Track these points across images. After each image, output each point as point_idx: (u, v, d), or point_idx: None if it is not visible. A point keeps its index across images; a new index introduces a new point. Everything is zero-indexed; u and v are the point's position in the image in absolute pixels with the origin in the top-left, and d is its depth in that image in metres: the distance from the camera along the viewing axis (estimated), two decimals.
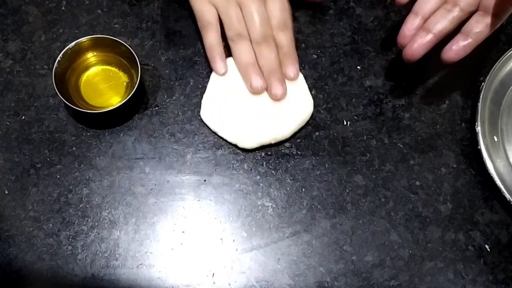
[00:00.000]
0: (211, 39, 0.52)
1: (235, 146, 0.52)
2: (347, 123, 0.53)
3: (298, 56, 0.54)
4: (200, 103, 0.53)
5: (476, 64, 0.56)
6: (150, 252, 0.49)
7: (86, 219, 0.50)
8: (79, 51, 0.52)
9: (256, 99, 0.52)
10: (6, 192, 0.50)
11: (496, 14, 0.47)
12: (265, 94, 0.52)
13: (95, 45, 0.52)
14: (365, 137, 0.53)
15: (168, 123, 0.53)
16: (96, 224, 0.49)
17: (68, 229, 0.49)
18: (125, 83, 0.53)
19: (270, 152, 0.52)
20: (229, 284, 0.48)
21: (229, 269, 0.48)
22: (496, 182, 0.49)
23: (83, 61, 0.53)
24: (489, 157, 0.50)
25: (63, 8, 0.57)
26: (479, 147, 0.50)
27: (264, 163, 0.52)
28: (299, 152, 0.52)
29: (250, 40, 0.51)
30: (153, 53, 0.56)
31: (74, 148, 0.52)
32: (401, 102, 0.55)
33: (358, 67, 0.56)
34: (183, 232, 0.50)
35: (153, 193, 0.51)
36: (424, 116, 0.54)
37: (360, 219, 0.50)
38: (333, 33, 0.57)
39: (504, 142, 0.53)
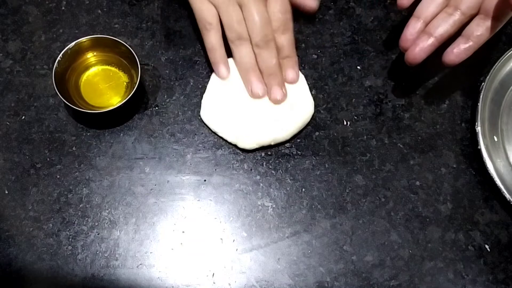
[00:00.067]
0: (212, 40, 0.51)
1: (235, 146, 0.52)
2: (347, 123, 0.53)
3: (298, 56, 0.54)
4: (200, 103, 0.53)
5: (476, 64, 0.56)
6: (150, 252, 0.49)
7: (86, 219, 0.50)
8: (79, 51, 0.52)
9: (256, 99, 0.52)
10: (6, 192, 0.50)
11: (496, 18, 0.47)
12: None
13: (95, 45, 0.52)
14: (365, 137, 0.53)
15: (168, 123, 0.53)
16: (96, 224, 0.49)
17: (68, 229, 0.49)
18: (125, 83, 0.53)
19: (270, 152, 0.52)
20: (229, 284, 0.48)
21: (229, 269, 0.48)
22: (496, 182, 0.49)
23: (83, 61, 0.53)
24: (489, 157, 0.50)
25: (63, 8, 0.57)
26: (479, 147, 0.50)
27: (264, 163, 0.52)
28: (299, 152, 0.52)
29: (251, 41, 0.51)
30: (153, 53, 0.56)
31: (74, 148, 0.52)
32: (401, 102, 0.55)
33: (358, 67, 0.56)
34: (183, 232, 0.50)
35: (153, 193, 0.51)
36: (424, 116, 0.54)
37: (360, 219, 0.50)
38: (333, 33, 0.57)
39: (504, 142, 0.53)
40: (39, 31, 0.56)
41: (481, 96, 0.52)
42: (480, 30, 0.47)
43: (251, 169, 0.52)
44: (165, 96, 0.54)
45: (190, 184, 0.51)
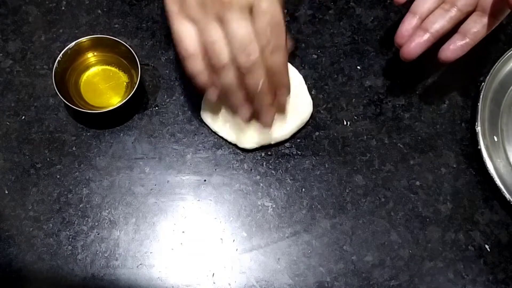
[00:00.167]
0: (193, 69, 0.44)
1: (235, 146, 0.52)
2: (347, 123, 0.53)
3: (298, 56, 0.54)
4: (200, 103, 0.53)
5: (476, 64, 0.56)
6: (150, 252, 0.49)
7: (86, 219, 0.50)
8: (79, 51, 0.52)
9: None
10: (6, 192, 0.50)
11: (493, 15, 0.47)
12: None
13: (95, 45, 0.52)
14: (365, 137, 0.53)
15: (168, 123, 0.53)
16: (96, 224, 0.49)
17: (68, 229, 0.49)
18: (125, 83, 0.53)
19: (270, 152, 0.52)
20: (229, 284, 0.48)
21: (229, 269, 0.48)
22: (496, 182, 0.49)
23: (83, 61, 0.53)
24: (489, 157, 0.50)
25: (63, 8, 0.57)
26: (479, 147, 0.50)
27: (264, 163, 0.52)
28: (299, 152, 0.52)
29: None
30: (153, 53, 0.56)
31: (74, 148, 0.52)
32: (401, 102, 0.55)
33: (358, 67, 0.56)
34: (183, 232, 0.50)
35: (153, 193, 0.51)
36: (424, 116, 0.54)
37: (360, 219, 0.50)
38: (333, 33, 0.57)
39: (504, 142, 0.53)
40: (39, 31, 0.56)
41: (481, 96, 0.52)
42: (476, 27, 0.47)
43: (251, 169, 0.52)
44: (165, 96, 0.54)
45: (190, 184, 0.51)
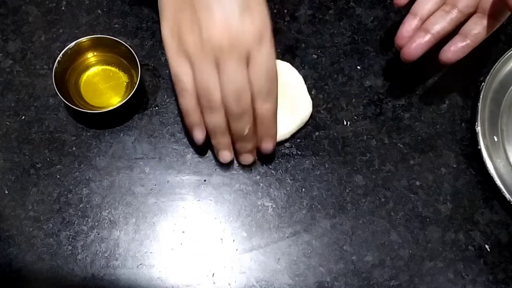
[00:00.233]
0: (187, 105, 0.45)
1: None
2: (347, 123, 0.53)
3: (298, 56, 0.54)
4: None
5: (476, 64, 0.56)
6: (150, 252, 0.49)
7: (86, 219, 0.50)
8: (79, 51, 0.52)
9: None
10: (6, 192, 0.50)
11: (494, 16, 0.47)
12: None
13: (95, 45, 0.52)
14: (365, 137, 0.53)
15: (168, 123, 0.53)
16: (96, 224, 0.49)
17: (68, 229, 0.49)
18: (125, 83, 0.53)
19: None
20: (229, 284, 0.48)
21: (229, 269, 0.48)
22: (496, 182, 0.49)
23: (83, 61, 0.53)
24: (489, 157, 0.50)
25: (63, 8, 0.57)
26: (479, 147, 0.50)
27: (264, 163, 0.52)
28: (299, 152, 0.52)
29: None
30: (153, 53, 0.56)
31: (74, 148, 0.52)
32: (401, 102, 0.55)
33: (358, 67, 0.56)
34: (183, 232, 0.50)
35: (153, 193, 0.51)
36: (424, 116, 0.54)
37: (360, 219, 0.50)
38: (333, 33, 0.57)
39: (504, 142, 0.53)
40: (39, 31, 0.56)
41: (481, 96, 0.52)
42: (477, 28, 0.48)
43: (251, 169, 0.52)
44: (165, 96, 0.54)
45: (190, 184, 0.51)
